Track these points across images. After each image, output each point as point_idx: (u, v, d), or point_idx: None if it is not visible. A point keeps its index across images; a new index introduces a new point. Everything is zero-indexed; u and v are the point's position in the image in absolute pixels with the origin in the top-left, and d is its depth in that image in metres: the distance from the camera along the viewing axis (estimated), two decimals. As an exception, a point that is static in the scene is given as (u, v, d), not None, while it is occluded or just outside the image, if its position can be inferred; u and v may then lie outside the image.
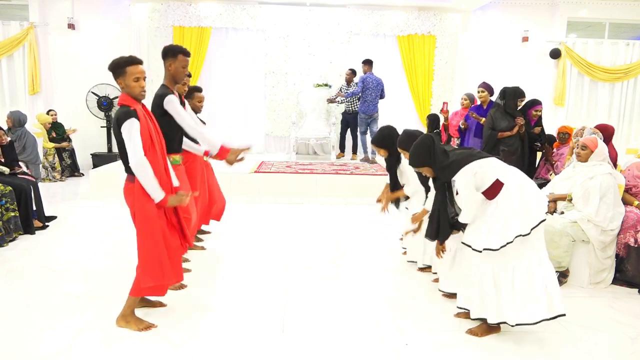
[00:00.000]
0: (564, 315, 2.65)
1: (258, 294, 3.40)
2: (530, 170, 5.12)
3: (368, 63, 7.96)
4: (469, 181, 2.70)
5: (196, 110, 4.07)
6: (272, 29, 8.93)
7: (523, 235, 2.60)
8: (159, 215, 2.73)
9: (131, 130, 2.59)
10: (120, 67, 2.69)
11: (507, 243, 2.62)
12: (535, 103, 5.17)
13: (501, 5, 9.23)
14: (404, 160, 3.68)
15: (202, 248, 4.37)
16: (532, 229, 2.60)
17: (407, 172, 3.72)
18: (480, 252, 2.69)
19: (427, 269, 3.83)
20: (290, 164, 7.68)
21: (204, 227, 4.66)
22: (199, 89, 4.17)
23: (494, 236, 2.66)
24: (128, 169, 2.70)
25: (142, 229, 2.73)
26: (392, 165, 3.79)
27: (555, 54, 9.17)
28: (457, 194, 2.88)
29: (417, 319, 3.06)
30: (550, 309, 2.64)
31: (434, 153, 2.80)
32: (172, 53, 3.28)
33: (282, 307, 3.18)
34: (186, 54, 3.32)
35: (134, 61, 2.72)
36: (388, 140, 3.66)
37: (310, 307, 3.21)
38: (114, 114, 2.71)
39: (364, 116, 7.94)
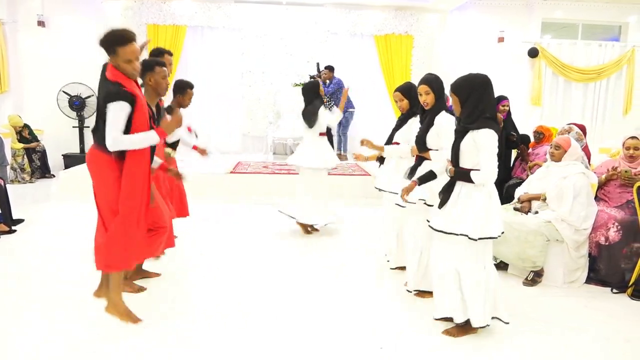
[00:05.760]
0: (507, 323, 2.81)
1: (253, 297, 3.34)
2: (506, 170, 5.15)
3: (332, 70, 8.18)
4: (494, 142, 2.55)
5: (183, 106, 3.85)
6: (249, 27, 8.83)
7: (469, 238, 2.55)
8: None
9: (120, 112, 2.47)
10: (110, 46, 2.47)
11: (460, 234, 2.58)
12: (501, 98, 5.25)
13: (478, 6, 9.29)
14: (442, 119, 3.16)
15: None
16: (480, 239, 2.56)
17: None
18: (457, 235, 2.60)
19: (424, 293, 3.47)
20: (267, 164, 7.59)
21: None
22: (192, 86, 3.89)
23: (462, 225, 2.59)
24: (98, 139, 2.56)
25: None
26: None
27: (534, 53, 9.24)
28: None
29: (417, 319, 3.04)
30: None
31: (488, 93, 2.62)
32: (149, 67, 2.98)
33: (278, 310, 3.13)
34: (160, 64, 3.05)
35: (125, 40, 2.46)
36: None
37: (305, 311, 3.16)
38: (98, 91, 2.68)
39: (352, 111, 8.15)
